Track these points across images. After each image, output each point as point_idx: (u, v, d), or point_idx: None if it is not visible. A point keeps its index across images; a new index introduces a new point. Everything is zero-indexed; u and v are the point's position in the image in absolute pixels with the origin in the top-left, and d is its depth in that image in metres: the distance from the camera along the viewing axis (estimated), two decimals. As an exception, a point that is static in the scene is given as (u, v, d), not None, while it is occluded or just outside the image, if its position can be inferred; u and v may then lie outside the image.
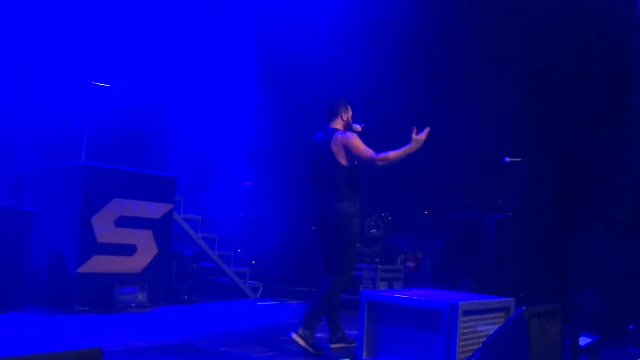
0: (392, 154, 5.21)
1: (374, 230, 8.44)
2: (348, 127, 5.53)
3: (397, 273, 8.61)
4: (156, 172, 7.85)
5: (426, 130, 5.27)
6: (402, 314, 4.56)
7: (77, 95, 7.90)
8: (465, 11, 9.48)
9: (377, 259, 8.35)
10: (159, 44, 9.31)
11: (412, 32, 9.75)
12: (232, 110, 10.42)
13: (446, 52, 9.77)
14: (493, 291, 6.58)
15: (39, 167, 7.46)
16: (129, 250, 7.36)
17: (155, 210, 7.62)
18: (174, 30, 9.57)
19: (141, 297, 7.34)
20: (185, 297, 7.85)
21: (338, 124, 5.52)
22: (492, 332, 4.16)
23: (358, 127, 5.62)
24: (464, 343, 4.34)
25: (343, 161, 5.31)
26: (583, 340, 4.56)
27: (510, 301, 4.89)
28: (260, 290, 8.94)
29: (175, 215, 8.01)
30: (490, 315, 4.68)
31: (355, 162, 5.38)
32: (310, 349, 5.09)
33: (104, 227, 7.09)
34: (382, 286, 8.24)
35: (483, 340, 4.14)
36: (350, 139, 5.31)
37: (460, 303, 4.31)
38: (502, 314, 4.79)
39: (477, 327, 4.50)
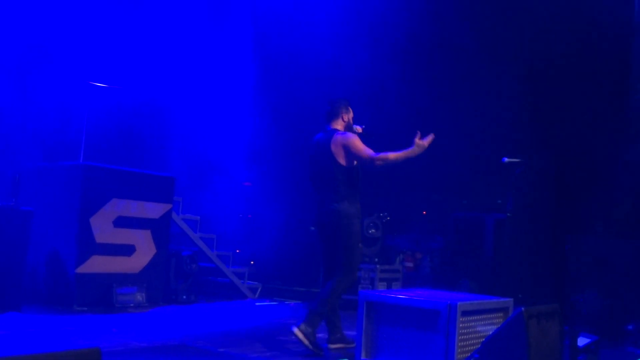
0: (391, 155, 5.20)
1: (373, 230, 8.44)
2: (349, 128, 5.53)
3: (395, 273, 8.61)
4: (155, 172, 7.85)
5: (430, 137, 5.22)
6: (401, 314, 4.56)
7: (76, 95, 7.89)
8: (465, 11, 9.47)
9: (376, 259, 8.35)
10: (158, 44, 9.30)
11: (412, 32, 9.75)
12: (231, 110, 10.41)
13: (446, 53, 9.77)
14: (492, 291, 6.59)
15: (38, 167, 7.46)
16: (127, 250, 7.35)
17: (153, 210, 7.62)
18: (173, 30, 9.56)
19: (140, 297, 7.34)
20: (184, 297, 7.84)
21: (338, 125, 5.52)
22: (490, 332, 4.16)
23: (359, 129, 5.62)
24: (462, 343, 4.33)
25: (343, 162, 5.31)
26: (582, 341, 4.55)
27: (509, 301, 4.89)
28: (259, 290, 8.94)
29: (173, 215, 8.01)
30: (489, 316, 4.68)
31: (355, 163, 5.38)
32: (309, 345, 5.09)
33: (102, 228, 7.09)
34: (381, 286, 8.24)
35: (482, 340, 4.14)
36: (349, 139, 5.31)
37: (459, 303, 4.31)
38: (501, 314, 4.79)
39: (476, 328, 4.50)
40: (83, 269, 6.91)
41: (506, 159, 6.71)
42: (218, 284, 8.89)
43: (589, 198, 7.78)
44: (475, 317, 4.51)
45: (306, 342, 5.08)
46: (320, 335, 5.40)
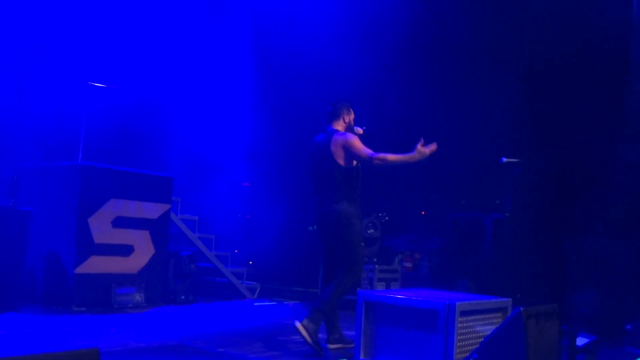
0: (390, 157, 5.22)
1: (372, 230, 8.44)
2: (349, 129, 5.57)
3: (394, 273, 8.61)
4: (153, 172, 7.84)
5: (433, 146, 5.22)
6: (400, 314, 4.56)
7: (74, 95, 7.89)
8: (464, 12, 9.47)
9: (375, 260, 8.35)
10: (157, 44, 9.30)
11: (412, 32, 9.75)
12: (229, 111, 10.41)
13: (444, 53, 9.77)
14: (490, 291, 6.59)
15: (36, 167, 7.45)
16: (126, 250, 7.35)
17: (152, 210, 7.61)
18: (171, 30, 9.56)
19: (138, 297, 7.33)
20: (183, 297, 7.84)
21: (339, 126, 5.55)
22: (489, 332, 4.16)
23: (360, 130, 5.67)
24: (461, 343, 4.33)
25: (342, 162, 5.35)
26: (580, 341, 4.56)
27: (507, 301, 4.89)
28: (258, 290, 8.94)
29: (172, 215, 8.01)
30: (487, 316, 4.68)
31: (355, 163, 5.40)
32: (310, 342, 5.10)
33: (101, 228, 7.08)
34: (380, 286, 8.24)
35: (480, 340, 4.14)
36: (349, 139, 5.34)
37: (457, 303, 4.31)
38: (500, 314, 4.80)
39: (475, 328, 4.50)
40: (81, 269, 6.90)
41: (505, 159, 6.72)
42: (217, 284, 8.88)
43: (587, 198, 7.79)
44: (474, 317, 4.51)
45: (307, 337, 5.09)
46: (319, 335, 5.40)
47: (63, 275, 6.90)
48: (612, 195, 7.45)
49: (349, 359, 5.00)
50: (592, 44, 8.12)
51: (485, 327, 4.58)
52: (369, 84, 9.60)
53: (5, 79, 7.98)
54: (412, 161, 5.20)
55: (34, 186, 7.23)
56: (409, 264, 8.93)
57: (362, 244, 5.51)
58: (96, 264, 7.02)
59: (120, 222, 7.27)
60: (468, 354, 4.23)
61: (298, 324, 5.12)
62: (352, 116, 5.62)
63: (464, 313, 4.37)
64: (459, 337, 4.31)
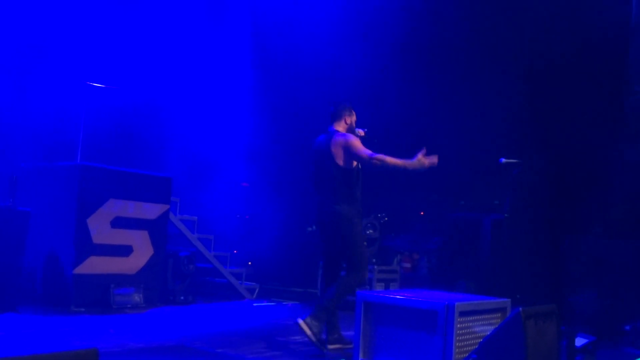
0: (389, 159, 5.23)
1: (371, 231, 8.43)
2: (351, 131, 5.61)
3: (393, 274, 8.61)
4: (152, 172, 7.84)
5: (434, 158, 5.21)
6: (399, 314, 4.56)
7: (73, 95, 7.89)
8: (464, 12, 9.47)
9: (374, 260, 8.35)
10: (156, 44, 9.29)
11: (411, 32, 9.75)
12: (228, 111, 10.41)
13: (443, 53, 9.78)
14: (489, 292, 6.58)
15: (35, 167, 7.45)
16: (125, 251, 7.34)
17: (151, 211, 7.61)
18: (170, 31, 9.56)
19: (137, 298, 7.33)
20: (182, 298, 7.83)
21: (341, 127, 5.59)
22: (488, 332, 4.16)
23: (361, 132, 5.72)
24: (460, 344, 4.33)
25: (343, 163, 5.37)
26: (579, 341, 4.56)
27: (506, 302, 4.89)
28: (257, 291, 8.93)
29: (171, 216, 8.00)
30: (486, 316, 4.68)
31: (355, 164, 5.42)
32: (313, 339, 5.10)
33: (100, 228, 7.08)
34: (379, 287, 8.24)
35: (479, 341, 4.14)
36: (349, 140, 5.37)
37: (456, 304, 4.31)
38: (499, 314, 4.79)
39: (474, 328, 4.50)
40: (80, 269, 6.90)
41: (504, 160, 6.72)
42: (216, 285, 8.88)
43: (586, 198, 7.79)
44: (473, 318, 4.51)
45: (310, 334, 5.10)
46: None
47: (62, 275, 6.89)
48: (611, 196, 7.45)
49: (348, 359, 5.00)
50: (592, 44, 8.13)
51: (484, 327, 4.58)
52: (369, 84, 9.61)
53: (4, 79, 7.97)
54: (410, 168, 5.20)
55: (33, 186, 7.23)
56: (408, 265, 8.93)
57: (365, 243, 5.54)
58: (95, 265, 7.02)
59: (119, 223, 7.27)
60: (467, 355, 4.23)
61: (301, 322, 5.13)
62: (353, 118, 5.66)
63: (463, 313, 4.37)
64: (458, 338, 4.30)
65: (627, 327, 6.05)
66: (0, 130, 7.89)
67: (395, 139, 8.89)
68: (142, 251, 7.50)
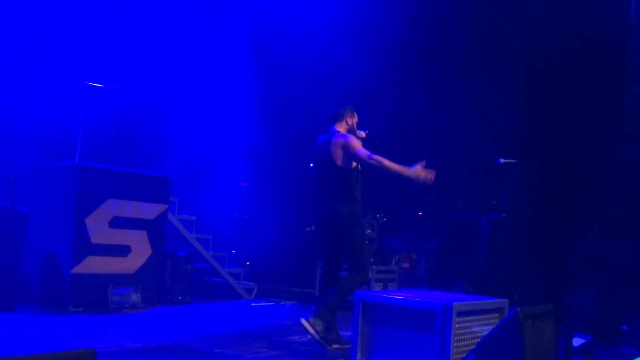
0: (386, 162, 5.25)
1: (369, 231, 8.44)
2: (352, 132, 5.65)
3: (391, 274, 8.61)
4: (151, 172, 7.83)
5: (430, 174, 5.22)
6: (397, 314, 4.56)
7: (72, 95, 7.88)
8: (463, 12, 9.48)
9: (372, 260, 8.35)
10: (154, 43, 9.29)
11: (411, 32, 9.76)
12: (227, 111, 10.40)
13: (443, 53, 9.78)
14: (487, 292, 6.59)
15: (34, 167, 7.44)
16: (123, 251, 7.34)
17: (149, 210, 7.60)
18: (169, 30, 9.55)
19: (135, 298, 7.33)
20: (180, 298, 7.83)
21: (342, 128, 5.64)
22: (486, 333, 4.16)
23: (362, 134, 5.77)
24: (458, 344, 4.33)
25: (342, 163, 5.42)
26: (577, 341, 4.57)
27: (504, 302, 4.90)
28: (255, 291, 8.93)
29: (169, 215, 8.00)
30: (484, 316, 4.68)
31: (354, 164, 5.45)
32: (317, 337, 5.12)
33: (98, 228, 7.07)
34: (377, 287, 8.24)
35: (477, 341, 4.14)
36: (348, 140, 5.42)
37: (454, 304, 4.31)
38: (496, 314, 4.80)
39: (471, 328, 4.50)
40: (78, 269, 6.89)
41: (502, 160, 6.73)
42: (214, 285, 8.88)
43: (584, 199, 7.80)
44: (471, 318, 4.51)
45: (313, 332, 5.13)
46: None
47: (60, 275, 6.89)
48: (610, 196, 7.46)
49: (346, 359, 5.00)
50: (591, 44, 8.14)
51: (482, 327, 4.58)
52: (369, 84, 9.61)
53: (3, 79, 7.97)
54: (406, 175, 5.21)
55: (31, 186, 7.22)
56: (406, 265, 8.93)
57: (367, 242, 5.58)
58: (93, 264, 7.01)
59: (117, 222, 7.26)
60: (465, 355, 4.23)
61: (304, 321, 5.15)
62: (355, 119, 5.71)
63: (460, 313, 4.37)
64: (455, 338, 4.31)
65: (625, 327, 6.05)
66: (-1, 129, 7.89)
67: (395, 139, 8.90)
68: (140, 251, 7.50)
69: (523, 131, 8.64)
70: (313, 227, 9.99)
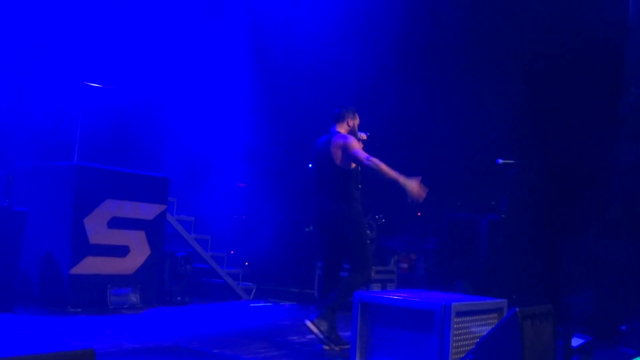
0: (383, 166, 5.27)
1: (368, 231, 8.43)
2: (353, 134, 5.67)
3: (390, 274, 8.61)
4: (149, 173, 7.83)
5: (423, 192, 5.25)
6: (396, 315, 4.56)
7: (70, 95, 7.87)
8: (463, 12, 9.48)
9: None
10: (153, 44, 9.28)
11: (411, 32, 9.77)
12: (225, 111, 10.40)
13: (443, 53, 9.78)
14: (486, 292, 6.59)
15: (32, 167, 7.43)
16: (121, 251, 7.33)
17: (148, 211, 7.60)
18: (168, 31, 9.54)
19: (134, 298, 7.32)
20: (178, 298, 7.82)
21: (343, 129, 5.66)
22: (485, 333, 4.16)
23: (363, 136, 5.80)
24: (457, 344, 4.33)
25: (342, 163, 5.44)
26: (576, 341, 4.57)
27: (503, 302, 4.90)
28: (254, 291, 8.93)
29: (168, 216, 7.99)
30: (483, 317, 4.68)
31: (354, 165, 5.46)
32: (322, 337, 5.14)
33: (96, 228, 7.06)
34: (376, 287, 8.23)
35: (476, 341, 4.14)
36: (347, 141, 5.44)
37: (453, 304, 4.31)
38: (495, 315, 4.80)
39: (470, 328, 4.50)
40: (77, 269, 6.88)
41: (501, 160, 6.73)
42: (212, 285, 8.87)
43: (583, 199, 7.80)
44: (470, 318, 4.51)
45: (317, 332, 5.16)
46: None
47: (58, 275, 6.88)
48: (609, 196, 7.46)
49: (346, 359, 5.00)
50: (590, 45, 8.14)
51: (481, 327, 4.58)
52: (369, 84, 9.62)
53: (1, 79, 7.95)
54: (400, 182, 5.23)
55: (30, 186, 7.21)
56: (405, 265, 8.93)
57: (368, 241, 5.60)
58: (92, 265, 7.00)
59: (116, 223, 7.25)
60: (464, 355, 4.22)
61: (309, 323, 5.17)
62: (356, 121, 5.73)
63: (459, 314, 4.37)
64: (454, 338, 4.30)
65: (624, 327, 6.05)
66: (-3, 129, 7.88)
67: (395, 139, 8.90)
68: (139, 251, 7.49)
69: (522, 131, 8.64)
70: (312, 228, 9.99)
